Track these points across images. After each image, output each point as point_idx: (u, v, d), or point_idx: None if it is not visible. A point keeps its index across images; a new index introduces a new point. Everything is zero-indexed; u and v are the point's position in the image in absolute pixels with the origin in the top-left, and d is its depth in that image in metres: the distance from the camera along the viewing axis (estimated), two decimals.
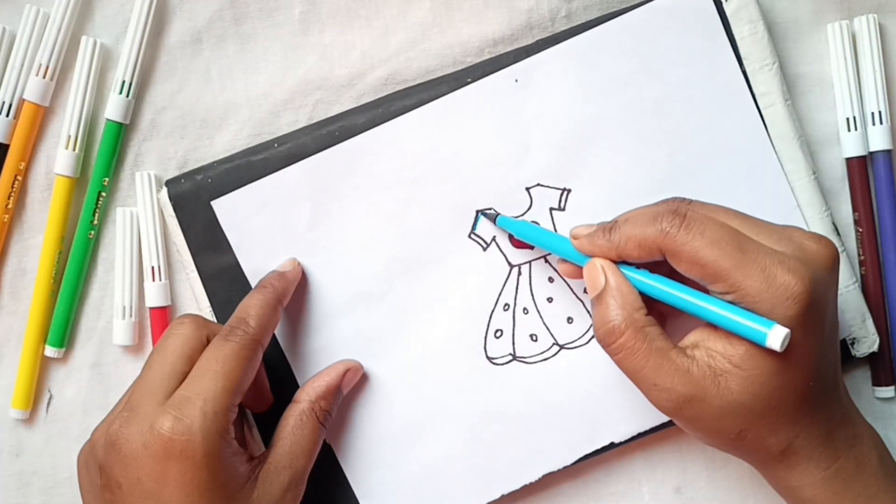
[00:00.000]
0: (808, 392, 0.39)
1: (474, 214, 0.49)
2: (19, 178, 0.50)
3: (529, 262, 0.49)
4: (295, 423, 0.45)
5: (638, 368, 0.39)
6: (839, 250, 0.48)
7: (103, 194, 0.50)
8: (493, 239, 0.49)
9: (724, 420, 0.39)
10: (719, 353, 0.38)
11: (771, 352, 0.37)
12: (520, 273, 0.49)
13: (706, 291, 0.39)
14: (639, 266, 0.41)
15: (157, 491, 0.40)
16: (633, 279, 0.41)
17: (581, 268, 0.43)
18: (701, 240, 0.38)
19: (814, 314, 0.38)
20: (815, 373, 0.39)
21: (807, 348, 0.38)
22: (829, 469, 0.40)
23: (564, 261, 0.45)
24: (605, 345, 0.40)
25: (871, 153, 0.50)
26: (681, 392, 0.38)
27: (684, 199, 0.42)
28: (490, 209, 0.49)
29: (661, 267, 0.41)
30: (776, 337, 0.36)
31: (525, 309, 0.49)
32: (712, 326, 0.39)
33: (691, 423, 0.40)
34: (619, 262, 0.42)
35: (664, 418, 0.48)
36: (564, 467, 0.49)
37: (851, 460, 0.40)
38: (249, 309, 0.44)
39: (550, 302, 0.49)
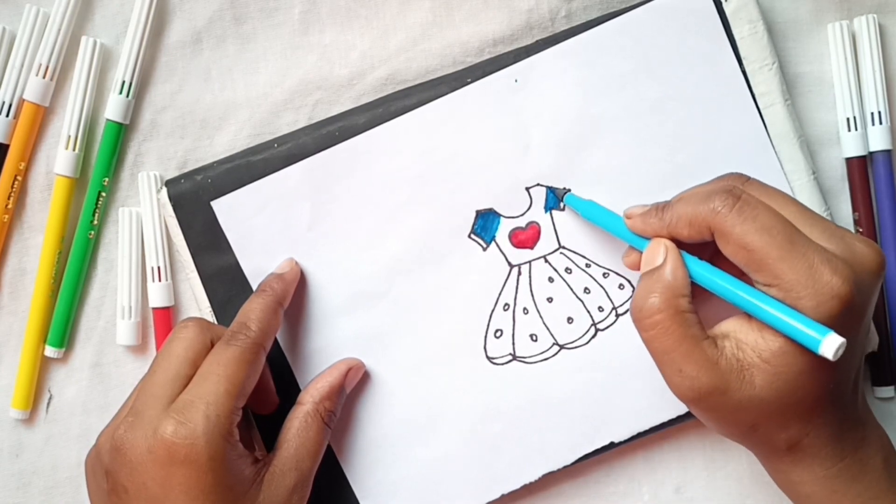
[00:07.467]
0: (826, 394, 0.39)
1: (474, 214, 0.49)
2: (19, 178, 0.50)
3: (529, 262, 0.49)
4: (300, 424, 0.45)
5: (667, 350, 0.39)
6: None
7: (103, 194, 0.50)
8: (493, 239, 0.49)
9: (739, 413, 0.39)
10: (749, 346, 0.38)
11: (803, 351, 0.37)
12: (520, 273, 0.49)
13: (749, 282, 0.39)
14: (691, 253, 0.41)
15: (162, 495, 0.40)
16: (690, 267, 0.40)
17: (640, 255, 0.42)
18: (752, 224, 0.38)
19: (852, 318, 0.37)
20: (838, 376, 0.39)
21: None
22: (832, 468, 0.40)
23: (629, 254, 0.45)
24: (641, 318, 0.39)
25: (870, 153, 0.50)
26: (705, 382, 0.38)
27: (741, 175, 0.42)
28: (564, 187, 0.48)
29: (703, 251, 0.40)
30: (830, 345, 0.35)
31: (525, 309, 0.49)
32: (746, 318, 0.39)
33: (706, 413, 0.40)
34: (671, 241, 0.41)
35: (664, 418, 0.48)
36: (564, 467, 0.49)
37: (856, 462, 0.40)
38: (250, 313, 0.44)
39: (550, 302, 0.49)
